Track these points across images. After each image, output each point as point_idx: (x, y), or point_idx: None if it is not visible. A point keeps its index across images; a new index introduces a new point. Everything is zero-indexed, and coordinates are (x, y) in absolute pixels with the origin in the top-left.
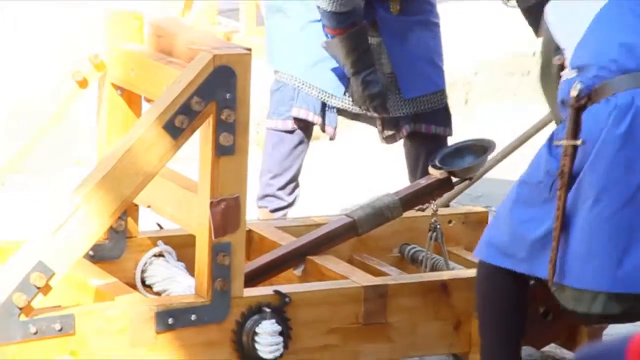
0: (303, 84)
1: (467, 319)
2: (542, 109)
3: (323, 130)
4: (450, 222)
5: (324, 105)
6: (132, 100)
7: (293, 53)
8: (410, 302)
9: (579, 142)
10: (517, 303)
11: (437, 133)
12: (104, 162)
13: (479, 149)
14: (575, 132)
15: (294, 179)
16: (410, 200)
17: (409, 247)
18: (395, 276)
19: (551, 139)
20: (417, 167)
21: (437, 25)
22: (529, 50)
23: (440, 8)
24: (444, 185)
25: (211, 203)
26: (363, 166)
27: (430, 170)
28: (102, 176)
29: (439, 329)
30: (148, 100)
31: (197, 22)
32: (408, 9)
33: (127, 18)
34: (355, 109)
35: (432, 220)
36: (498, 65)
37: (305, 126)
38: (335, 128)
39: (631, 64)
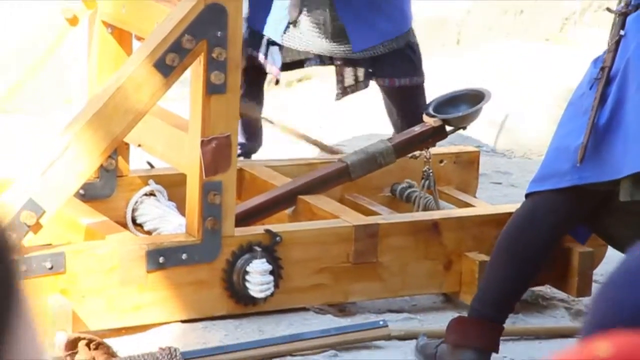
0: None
1: (458, 258)
2: (535, 48)
3: (265, 70)
4: (441, 161)
5: (268, 44)
6: (123, 38)
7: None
8: (401, 241)
9: (620, 34)
10: (549, 245)
11: (403, 85)
12: (94, 101)
13: (474, 98)
14: (618, 33)
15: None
16: (404, 147)
17: (400, 186)
18: (386, 215)
19: (596, 59)
20: (392, 119)
21: None
22: None
23: None
24: (437, 133)
25: (202, 142)
26: (341, 110)
27: (425, 118)
28: (92, 114)
29: (430, 268)
30: (139, 38)
31: None
32: None
33: None
34: (296, 47)
35: (425, 168)
36: (491, 3)
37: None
38: (280, 68)
39: None
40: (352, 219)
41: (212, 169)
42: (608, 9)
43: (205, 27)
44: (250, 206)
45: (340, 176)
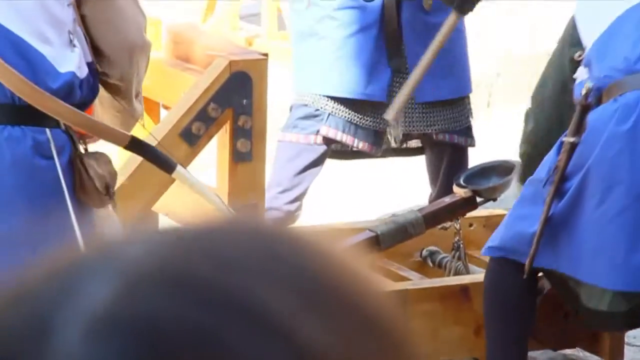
0: (334, 103)
1: None
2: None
3: (356, 148)
4: (471, 225)
5: (353, 125)
6: (150, 107)
7: (324, 73)
8: (430, 307)
9: (574, 139)
10: (524, 299)
11: (459, 143)
12: (121, 171)
13: (504, 169)
14: (577, 130)
15: (302, 196)
16: (434, 217)
17: (430, 251)
18: (415, 281)
19: (560, 143)
20: (437, 177)
21: (462, 31)
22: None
23: None
24: (467, 204)
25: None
26: (377, 179)
27: (455, 189)
28: (119, 185)
29: (460, 333)
30: (165, 107)
31: (218, 27)
32: (440, 6)
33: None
34: (384, 126)
35: (455, 239)
36: (519, 66)
37: (327, 144)
38: (372, 144)
39: None
40: (382, 285)
41: None
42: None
43: (231, 95)
44: None
45: (370, 246)
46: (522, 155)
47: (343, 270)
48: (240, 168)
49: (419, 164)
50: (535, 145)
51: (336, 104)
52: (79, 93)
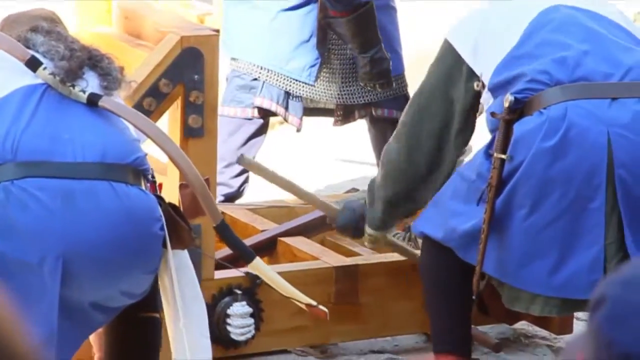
0: (268, 73)
1: None
2: None
3: (286, 120)
4: None
5: (287, 96)
6: None
7: (260, 43)
8: (381, 282)
9: (505, 156)
10: (462, 278)
11: (398, 117)
12: None
13: None
14: (505, 145)
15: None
16: None
17: None
18: (366, 256)
19: (491, 142)
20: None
21: (394, 9)
22: None
23: None
24: None
25: (180, 185)
26: (324, 152)
27: None
28: None
29: (411, 308)
30: None
31: (170, 4)
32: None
33: (95, 0)
34: (318, 98)
35: (406, 220)
36: None
37: (264, 116)
38: (300, 118)
39: (563, 76)
40: (333, 260)
41: (191, 213)
42: (492, 114)
43: (182, 71)
44: (230, 252)
45: (321, 225)
46: (387, 198)
47: None
48: (191, 143)
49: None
50: (407, 184)
51: (270, 73)
52: None
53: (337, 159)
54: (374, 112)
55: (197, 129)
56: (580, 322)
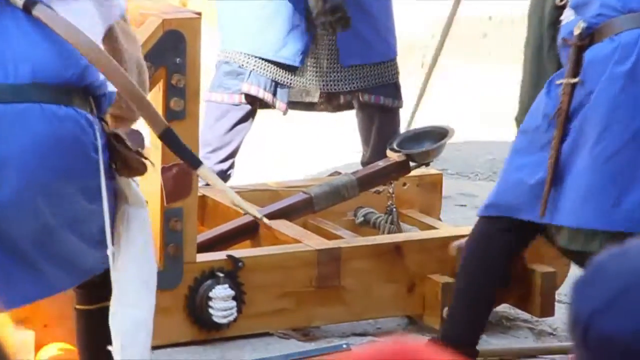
0: (256, 62)
1: (421, 281)
2: (495, 69)
3: (274, 107)
4: (404, 184)
5: (275, 84)
6: None
7: (246, 32)
8: (363, 265)
9: (577, 79)
10: (506, 260)
11: (385, 104)
12: None
13: (438, 135)
14: (575, 71)
15: (234, 154)
16: (368, 180)
17: (363, 210)
18: (348, 239)
19: (550, 82)
20: (369, 138)
21: None
22: (484, 14)
23: None
24: (401, 168)
25: (162, 168)
26: (311, 139)
27: (388, 153)
28: None
29: (393, 291)
30: None
31: None
32: None
33: None
34: (305, 85)
35: (388, 203)
36: (454, 28)
37: (252, 102)
38: (287, 104)
39: (635, 4)
40: (315, 243)
41: (173, 196)
42: (564, 40)
43: (164, 54)
44: (212, 235)
45: (303, 208)
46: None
47: None
48: (173, 126)
49: (354, 121)
50: (523, 97)
51: (258, 61)
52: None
53: (321, 144)
54: (360, 98)
55: (179, 112)
56: (562, 304)
